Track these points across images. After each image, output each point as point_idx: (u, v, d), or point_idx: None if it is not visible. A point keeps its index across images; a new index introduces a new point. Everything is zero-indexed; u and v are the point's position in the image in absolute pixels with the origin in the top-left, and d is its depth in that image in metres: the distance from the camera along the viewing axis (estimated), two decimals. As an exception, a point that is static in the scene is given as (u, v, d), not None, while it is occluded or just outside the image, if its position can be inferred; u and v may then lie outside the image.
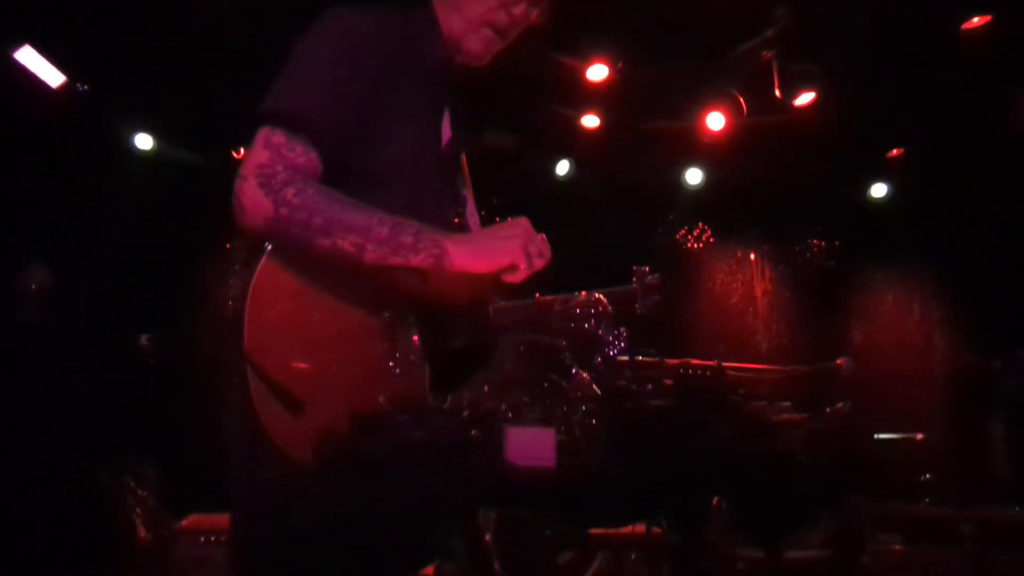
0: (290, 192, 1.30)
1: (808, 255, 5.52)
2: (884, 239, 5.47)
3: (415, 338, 1.35)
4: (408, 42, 1.51)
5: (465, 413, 1.00)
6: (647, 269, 1.77)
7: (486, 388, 1.12)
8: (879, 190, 5.54)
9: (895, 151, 5.14)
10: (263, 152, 1.34)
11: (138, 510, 3.47)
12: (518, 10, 1.53)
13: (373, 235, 1.30)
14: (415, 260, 1.31)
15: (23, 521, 3.52)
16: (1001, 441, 4.59)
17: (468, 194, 1.76)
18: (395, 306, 1.36)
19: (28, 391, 3.75)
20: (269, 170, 1.32)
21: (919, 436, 2.94)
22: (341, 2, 1.48)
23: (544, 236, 1.40)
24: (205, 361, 4.34)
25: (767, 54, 3.90)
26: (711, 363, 1.25)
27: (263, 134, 1.36)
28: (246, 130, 1.41)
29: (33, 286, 3.92)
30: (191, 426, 4.02)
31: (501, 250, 1.36)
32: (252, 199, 1.30)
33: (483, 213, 1.85)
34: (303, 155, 1.35)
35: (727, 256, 5.68)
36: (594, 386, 1.08)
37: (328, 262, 1.31)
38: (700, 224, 5.53)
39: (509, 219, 1.39)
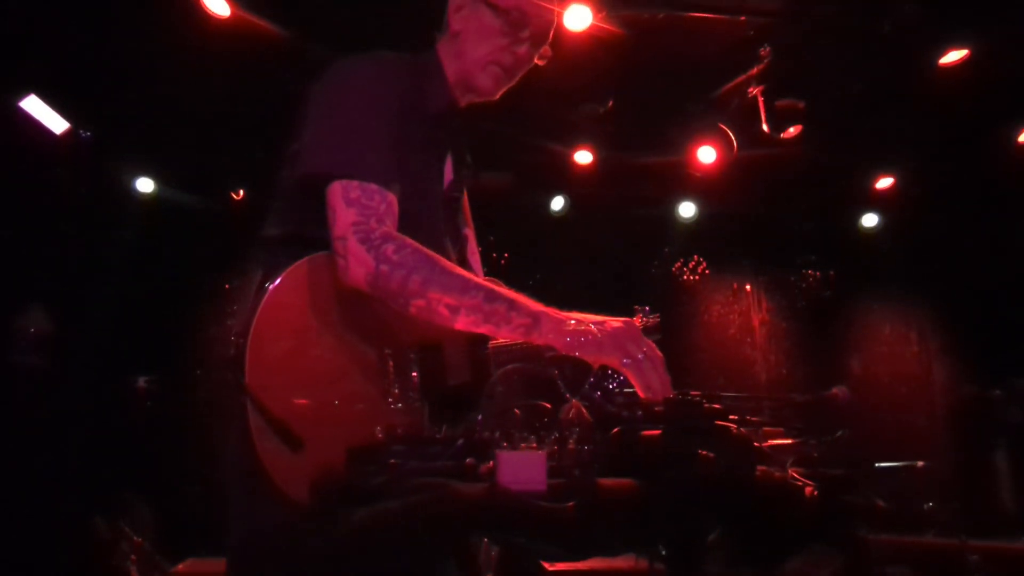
0: (390, 249, 1.33)
1: (804, 285, 5.55)
2: (878, 269, 5.52)
3: (415, 376, 1.37)
4: (416, 88, 1.56)
5: (459, 442, 1.01)
6: (647, 308, 1.79)
7: (480, 417, 1.13)
8: (870, 220, 5.61)
9: (884, 182, 5.23)
10: (349, 210, 1.36)
11: (133, 556, 3.41)
12: (521, 50, 1.59)
13: (467, 301, 1.31)
14: (505, 330, 1.33)
15: (17, 567, 3.46)
16: (1005, 471, 4.55)
17: (469, 232, 1.80)
18: (395, 345, 1.37)
19: (25, 434, 3.73)
20: (364, 226, 1.35)
21: (919, 464, 2.93)
22: (355, 52, 1.53)
23: (653, 344, 1.33)
24: (203, 404, 4.32)
25: (753, 90, 4.01)
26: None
27: (338, 191, 1.37)
28: (301, 187, 1.41)
29: (32, 330, 3.93)
30: (188, 470, 3.98)
31: (588, 345, 1.29)
32: (355, 255, 1.33)
33: (480, 249, 1.88)
34: (383, 201, 1.38)
35: (723, 288, 5.71)
36: (586, 413, 1.09)
37: (422, 319, 1.34)
38: (695, 256, 5.58)
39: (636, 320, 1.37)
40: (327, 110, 1.46)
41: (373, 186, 1.38)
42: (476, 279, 1.37)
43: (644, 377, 1.28)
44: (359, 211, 1.36)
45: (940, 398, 5.43)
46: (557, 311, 1.35)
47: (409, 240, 1.37)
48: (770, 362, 5.63)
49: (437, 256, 1.37)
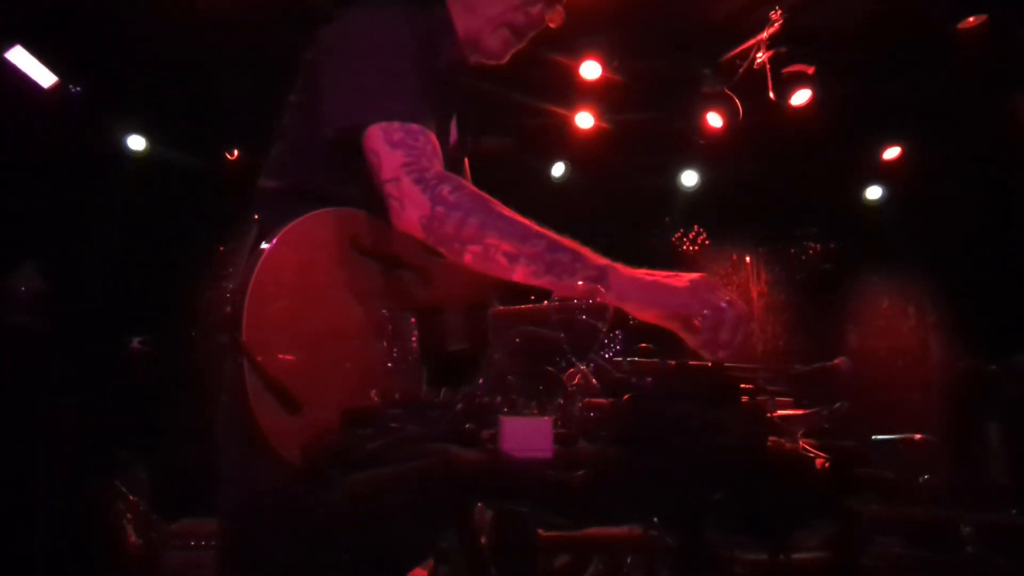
0: (446, 189, 1.25)
1: (803, 258, 5.52)
2: (879, 242, 5.48)
3: (414, 339, 1.33)
4: (426, 41, 1.48)
5: (459, 406, 0.97)
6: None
7: (480, 381, 1.09)
8: (874, 192, 5.55)
9: (890, 153, 5.15)
10: (395, 152, 1.28)
11: (128, 515, 3.42)
12: (535, 11, 1.51)
13: (528, 249, 1.23)
14: (568, 283, 1.22)
15: (12, 526, 3.47)
16: (998, 446, 4.57)
17: None
18: (394, 306, 1.33)
19: (18, 395, 3.70)
20: (416, 165, 1.27)
21: (917, 436, 2.93)
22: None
23: (734, 297, 1.19)
24: (198, 364, 4.30)
25: (761, 56, 3.90)
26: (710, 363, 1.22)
27: (379, 134, 1.29)
28: (333, 144, 1.33)
29: (23, 288, 3.87)
30: (183, 430, 3.98)
31: (666, 295, 1.18)
32: (410, 196, 1.25)
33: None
34: (427, 141, 1.30)
35: (723, 259, 5.68)
36: (592, 379, 1.06)
37: (477, 267, 1.26)
38: (695, 227, 5.52)
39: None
40: (350, 58, 1.38)
41: (415, 126, 1.30)
42: (538, 228, 1.27)
43: (716, 333, 1.16)
44: (406, 152, 1.28)
45: (936, 372, 5.45)
46: (624, 266, 1.26)
47: (465, 181, 1.30)
48: (767, 334, 5.63)
49: (495, 201, 1.29)
